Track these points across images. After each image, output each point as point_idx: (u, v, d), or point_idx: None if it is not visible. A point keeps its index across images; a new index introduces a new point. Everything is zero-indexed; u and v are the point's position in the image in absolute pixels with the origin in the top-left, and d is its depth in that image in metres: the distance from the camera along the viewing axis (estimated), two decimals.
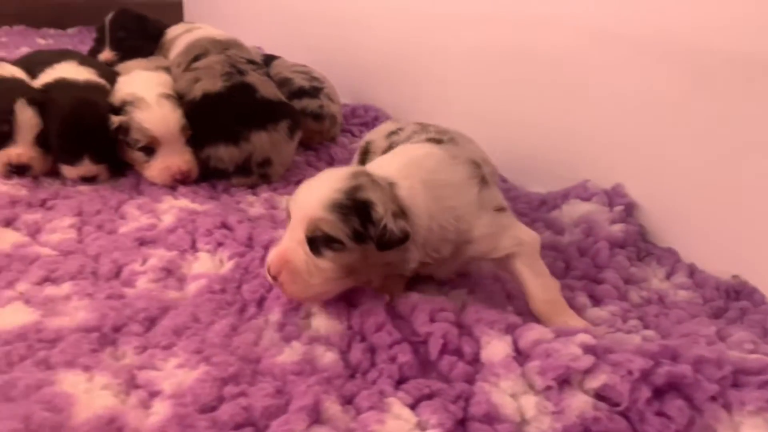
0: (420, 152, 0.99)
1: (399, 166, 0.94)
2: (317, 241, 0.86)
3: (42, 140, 1.38)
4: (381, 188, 0.88)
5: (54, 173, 1.43)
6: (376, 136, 1.27)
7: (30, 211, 1.25)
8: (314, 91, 1.74)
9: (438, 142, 1.06)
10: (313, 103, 1.71)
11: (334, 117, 1.76)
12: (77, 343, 0.86)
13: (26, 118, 1.35)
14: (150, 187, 1.41)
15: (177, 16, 3.32)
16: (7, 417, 0.70)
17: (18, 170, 1.35)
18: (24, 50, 2.60)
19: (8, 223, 1.20)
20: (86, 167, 1.39)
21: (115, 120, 1.39)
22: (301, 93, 1.71)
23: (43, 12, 3.06)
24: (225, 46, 1.59)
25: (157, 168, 1.40)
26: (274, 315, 0.95)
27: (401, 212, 0.87)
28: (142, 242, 1.17)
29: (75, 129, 1.37)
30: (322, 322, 0.92)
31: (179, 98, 1.47)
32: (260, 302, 0.99)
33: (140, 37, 1.85)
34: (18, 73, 1.48)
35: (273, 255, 0.89)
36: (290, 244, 0.88)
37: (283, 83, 1.72)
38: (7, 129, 1.35)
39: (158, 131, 1.38)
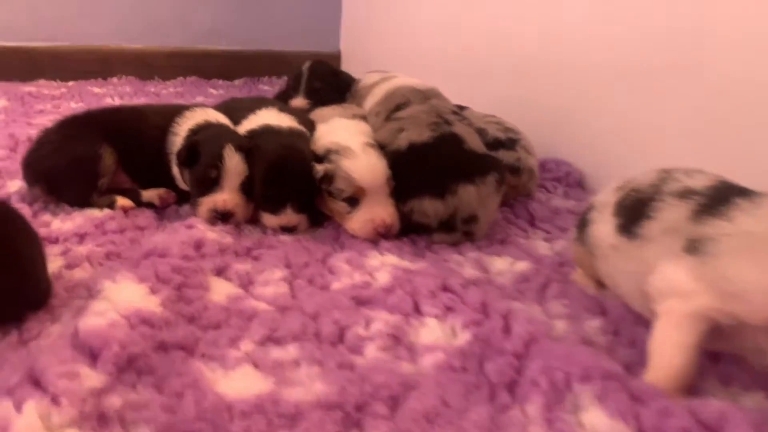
0: None
1: None
2: None
3: (245, 187, 1.35)
4: None
5: (253, 221, 1.39)
6: (602, 195, 1.11)
7: (239, 261, 1.19)
8: (510, 143, 1.61)
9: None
10: (510, 156, 1.58)
11: (532, 171, 1.62)
12: (321, 423, 0.75)
13: (234, 164, 1.32)
14: (351, 240, 1.32)
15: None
16: None
17: (223, 217, 1.32)
18: (199, 99, 2.71)
19: (219, 272, 1.14)
20: (288, 216, 1.34)
21: (320, 168, 1.33)
22: (496, 144, 1.59)
23: (213, 64, 3.21)
24: (426, 95, 1.51)
25: (360, 220, 1.32)
26: (533, 405, 0.80)
27: None
28: (359, 302, 1.07)
29: (281, 176, 1.32)
30: (599, 420, 0.75)
31: (381, 148, 1.39)
32: (510, 387, 0.85)
33: (332, 89, 1.86)
34: (222, 118, 1.47)
35: None
36: None
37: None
38: (215, 175, 1.32)
39: (365, 181, 1.31)
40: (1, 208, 0.94)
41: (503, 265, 1.25)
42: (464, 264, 1.24)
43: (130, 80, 2.93)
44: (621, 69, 1.68)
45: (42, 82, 2.75)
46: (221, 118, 1.47)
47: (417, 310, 1.04)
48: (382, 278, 1.13)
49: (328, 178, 1.33)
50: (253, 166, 1.34)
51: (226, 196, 1.32)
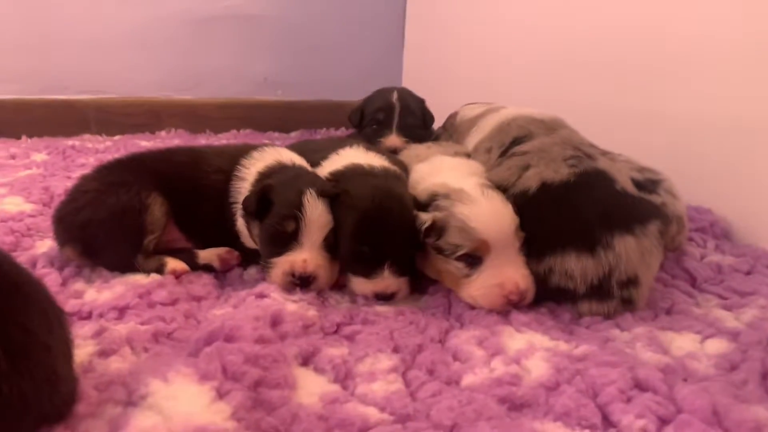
0: None
1: None
2: None
3: (330, 244, 1.05)
4: None
5: (338, 287, 1.08)
6: None
7: (329, 343, 0.87)
8: (651, 185, 1.28)
9: None
10: (654, 201, 1.24)
11: (681, 219, 1.28)
12: None
13: (316, 214, 1.02)
14: (470, 312, 0.99)
15: None
16: None
17: (302, 282, 1.01)
18: None
19: (306, 359, 0.83)
20: (386, 281, 1.03)
21: (426, 218, 1.03)
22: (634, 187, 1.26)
23: (268, 115, 2.99)
24: (550, 126, 1.20)
25: (484, 285, 0.99)
26: None
27: None
28: (512, 406, 0.73)
29: (376, 229, 1.02)
30: None
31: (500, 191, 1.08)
32: None
33: (424, 125, 1.57)
34: (299, 159, 1.19)
35: None
36: None
37: None
38: (293, 228, 1.02)
39: (488, 232, 0.99)
40: (6, 273, 0.64)
41: (690, 345, 0.90)
42: (635, 344, 0.90)
43: (180, 133, 2.72)
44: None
45: (87, 136, 2.56)
46: (297, 159, 1.18)
47: (607, 421, 0.70)
48: (537, 369, 0.80)
49: (438, 230, 1.02)
50: (340, 216, 1.04)
51: (306, 255, 1.02)
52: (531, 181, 1.06)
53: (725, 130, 1.49)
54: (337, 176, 1.12)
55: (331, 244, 1.05)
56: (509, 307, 0.99)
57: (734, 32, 1.45)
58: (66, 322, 0.69)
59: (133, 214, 1.07)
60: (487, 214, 1.00)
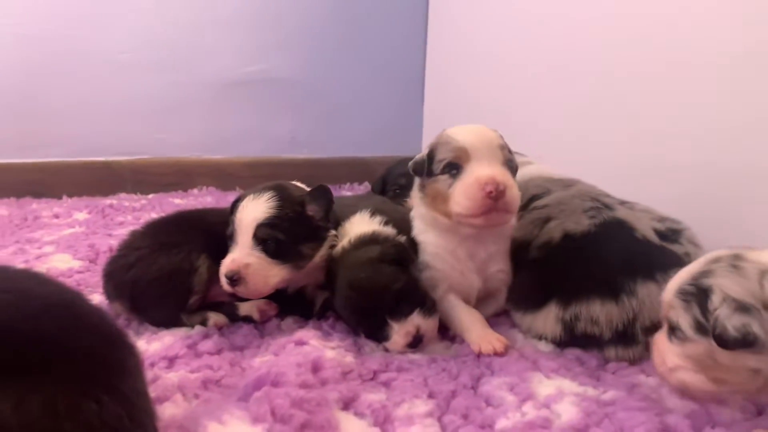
0: None
1: None
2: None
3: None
4: (743, 276, 0.75)
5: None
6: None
7: (368, 388, 0.92)
8: (673, 235, 1.30)
9: None
10: (675, 251, 1.28)
11: None
12: None
13: (245, 214, 1.14)
14: (499, 360, 1.03)
15: None
16: None
17: (231, 282, 1.11)
18: None
19: (347, 404, 0.87)
20: (406, 327, 1.06)
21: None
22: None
23: (294, 173, 3.02)
24: (566, 183, 1.27)
25: (462, 187, 1.06)
26: None
27: (752, 308, 0.71)
28: None
29: (366, 304, 1.08)
30: None
31: (524, 246, 1.14)
32: None
33: None
34: None
35: None
36: None
37: None
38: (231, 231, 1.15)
39: (468, 142, 1.08)
40: (82, 311, 0.70)
41: None
42: (659, 390, 0.93)
43: (211, 191, 2.83)
44: None
45: (123, 195, 2.67)
46: None
47: None
48: (567, 412, 0.83)
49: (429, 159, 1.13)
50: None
51: (236, 255, 1.11)
52: (554, 232, 1.12)
53: (743, 177, 1.53)
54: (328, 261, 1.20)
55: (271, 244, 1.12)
56: (490, 203, 1.03)
57: (748, 79, 1.51)
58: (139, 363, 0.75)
59: (182, 275, 1.14)
60: (470, 129, 1.12)
